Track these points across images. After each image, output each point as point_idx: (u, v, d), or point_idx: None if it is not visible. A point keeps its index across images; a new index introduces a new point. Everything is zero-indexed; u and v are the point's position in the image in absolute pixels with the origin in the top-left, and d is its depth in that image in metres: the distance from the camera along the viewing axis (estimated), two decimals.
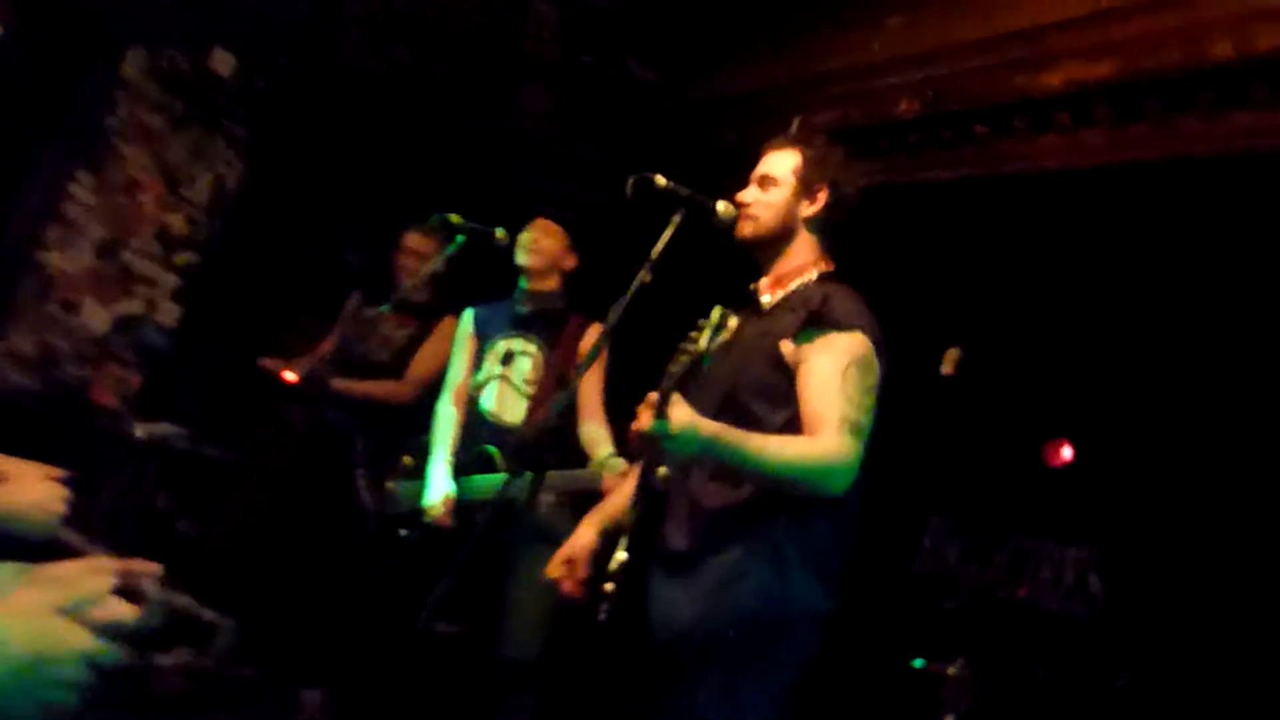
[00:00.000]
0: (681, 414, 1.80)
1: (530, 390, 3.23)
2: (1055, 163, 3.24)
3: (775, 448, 1.90)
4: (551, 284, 3.35)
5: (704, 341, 1.83)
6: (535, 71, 4.63)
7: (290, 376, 3.72)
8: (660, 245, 2.07)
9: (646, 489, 2.01)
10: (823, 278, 2.16)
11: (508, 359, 3.29)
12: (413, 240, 3.95)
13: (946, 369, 3.84)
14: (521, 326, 3.33)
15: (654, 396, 1.80)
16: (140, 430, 3.96)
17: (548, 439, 2.04)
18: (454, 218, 3.16)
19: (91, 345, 4.28)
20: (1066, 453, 3.71)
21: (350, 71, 4.58)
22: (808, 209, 2.19)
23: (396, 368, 3.85)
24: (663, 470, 2.11)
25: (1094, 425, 3.58)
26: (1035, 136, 3.29)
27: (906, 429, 2.49)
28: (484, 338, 3.39)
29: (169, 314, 4.49)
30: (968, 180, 3.60)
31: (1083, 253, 3.40)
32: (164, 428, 4.00)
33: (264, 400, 4.03)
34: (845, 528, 2.02)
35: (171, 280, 4.49)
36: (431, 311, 3.95)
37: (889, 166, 3.74)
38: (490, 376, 3.29)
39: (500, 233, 3.23)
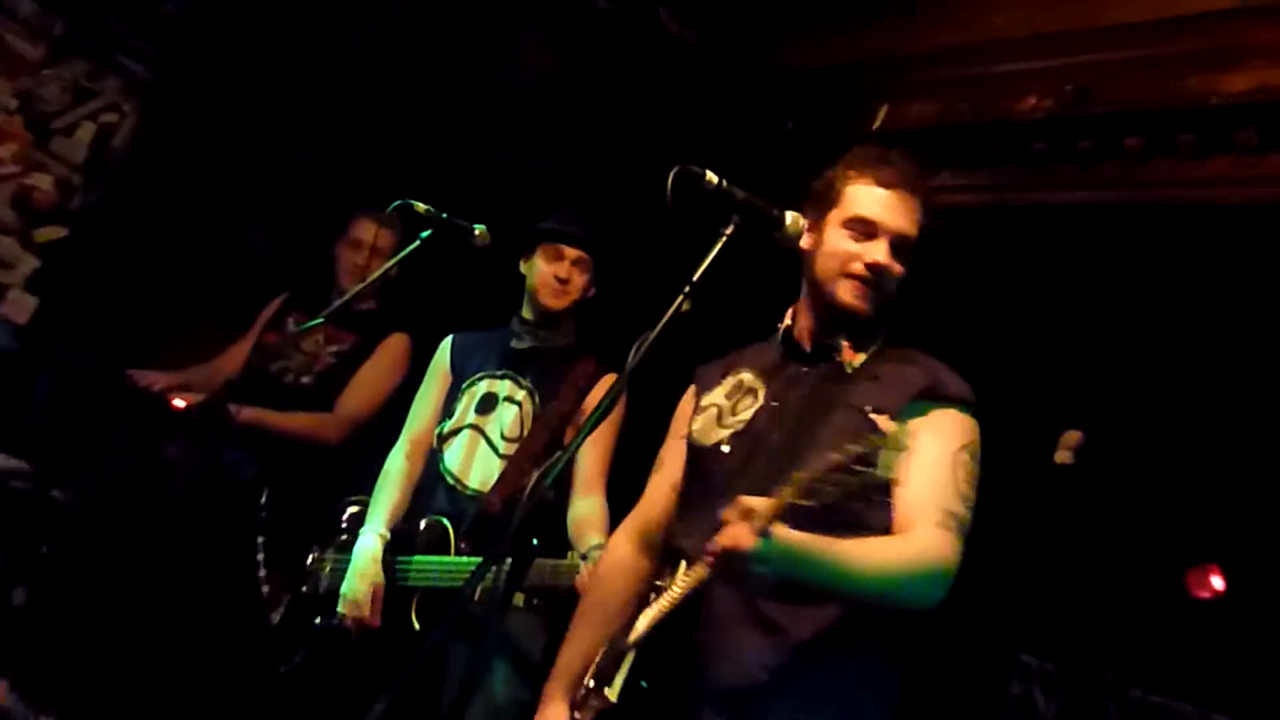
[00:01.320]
0: (779, 529, 1.88)
1: (507, 449, 3.20)
2: (1232, 194, 3.21)
3: (865, 555, 2.00)
4: (564, 319, 3.33)
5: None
6: (533, 13, 4.60)
7: (179, 402, 3.68)
8: (703, 266, 2.09)
9: (680, 609, 2.05)
10: (885, 339, 2.28)
11: (487, 405, 3.28)
12: (364, 229, 3.92)
13: (1062, 457, 3.78)
14: (513, 365, 3.32)
15: (755, 504, 1.86)
16: None
17: (534, 518, 1.92)
18: (419, 205, 3.15)
19: None
20: (1217, 582, 3.61)
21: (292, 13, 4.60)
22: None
23: (324, 396, 3.85)
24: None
25: (1258, 549, 3.47)
26: (1206, 158, 3.27)
27: (997, 536, 2.48)
28: (462, 375, 3.38)
29: (20, 308, 4.44)
30: (1107, 208, 3.56)
31: (1259, 313, 3.34)
32: (2, 461, 3.91)
33: (137, 430, 3.99)
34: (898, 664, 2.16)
35: (28, 262, 4.44)
36: (376, 325, 3.94)
37: (1001, 181, 3.72)
38: (461, 425, 3.27)
39: (480, 230, 3.22)
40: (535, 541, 1.91)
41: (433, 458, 3.27)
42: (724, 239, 2.10)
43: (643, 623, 2.23)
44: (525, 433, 3.20)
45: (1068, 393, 3.72)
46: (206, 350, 4.14)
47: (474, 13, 4.61)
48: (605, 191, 4.55)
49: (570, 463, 3.07)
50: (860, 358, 2.24)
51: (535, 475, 1.98)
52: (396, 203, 3.13)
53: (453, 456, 3.23)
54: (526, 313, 3.33)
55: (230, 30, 4.58)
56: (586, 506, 3.11)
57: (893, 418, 2.05)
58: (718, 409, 2.34)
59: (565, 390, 3.22)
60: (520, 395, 3.26)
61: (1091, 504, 3.70)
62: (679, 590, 2.14)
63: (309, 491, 3.59)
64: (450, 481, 3.20)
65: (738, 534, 1.86)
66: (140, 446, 3.96)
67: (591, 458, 3.16)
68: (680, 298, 2.05)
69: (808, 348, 2.29)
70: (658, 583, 2.28)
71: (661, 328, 2.01)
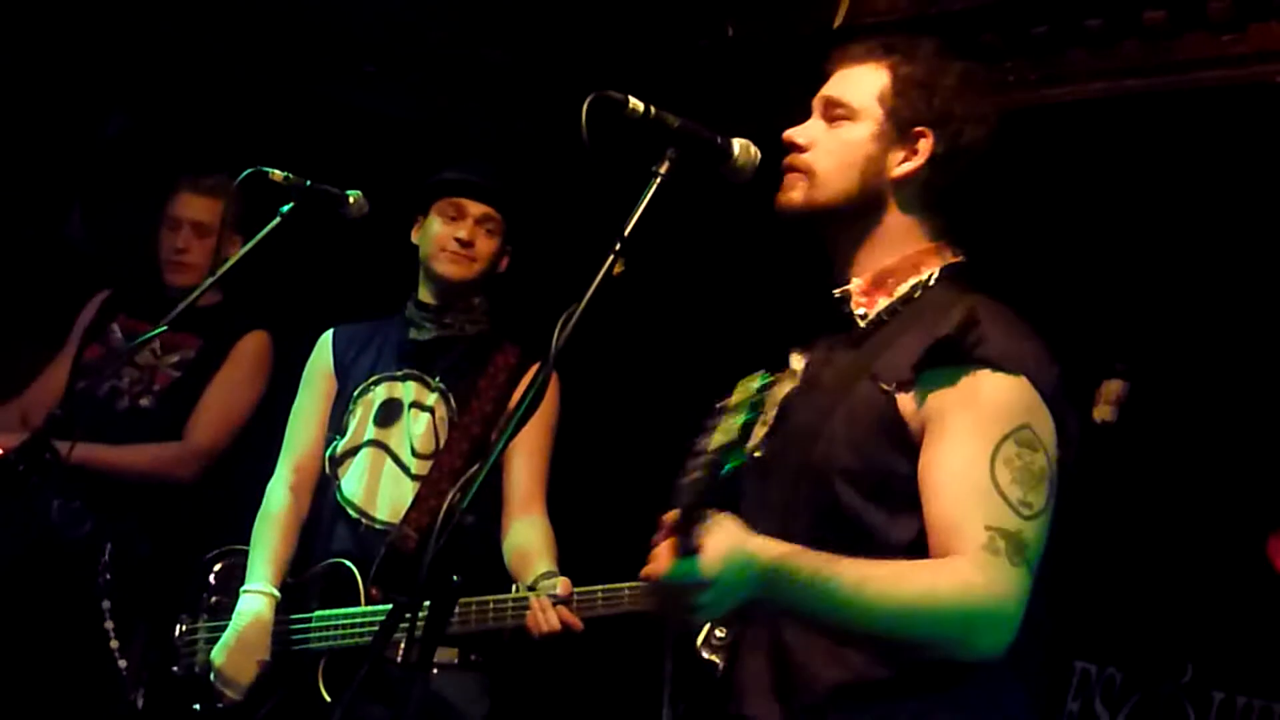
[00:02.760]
0: (722, 539, 1.81)
1: (421, 468, 3.26)
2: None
3: (882, 581, 1.89)
4: (471, 296, 3.39)
5: (733, 425, 1.83)
6: None
7: None
8: (635, 216, 2.10)
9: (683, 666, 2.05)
10: (950, 276, 2.19)
11: (388, 415, 3.34)
12: (183, 204, 3.98)
13: (1102, 413, 3.88)
14: (416, 363, 3.38)
15: (669, 518, 1.81)
16: None
17: (453, 549, 1.94)
18: (275, 173, 3.19)
19: None
20: None
21: None
22: (901, 164, 2.22)
23: (170, 421, 3.91)
24: (720, 632, 2.13)
25: None
26: (1244, 28, 3.34)
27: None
28: (351, 379, 3.42)
29: None
30: (1130, 98, 3.62)
31: None
32: None
33: None
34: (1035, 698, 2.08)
35: None
36: (224, 324, 4.03)
37: (999, 77, 3.74)
38: (358, 443, 3.32)
39: (355, 197, 3.26)
40: (456, 579, 1.90)
41: (325, 487, 3.32)
42: (658, 180, 2.11)
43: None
44: (444, 444, 3.26)
45: (1101, 334, 3.76)
46: (15, 377, 4.15)
47: None
48: (503, 131, 4.62)
49: (497, 476, 3.21)
50: (880, 306, 2.19)
51: (451, 496, 1.97)
52: (247, 171, 3.15)
53: (351, 483, 3.29)
54: (425, 294, 3.39)
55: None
56: (525, 529, 3.18)
57: (912, 388, 2.01)
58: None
59: (484, 387, 3.30)
60: (431, 399, 3.32)
61: (1143, 468, 3.74)
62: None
63: (165, 546, 3.66)
64: (352, 514, 3.26)
65: (653, 561, 1.82)
66: None
67: (524, 467, 3.24)
68: (610, 258, 2.06)
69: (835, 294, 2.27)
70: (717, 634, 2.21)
71: (590, 297, 2.01)
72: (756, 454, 2.19)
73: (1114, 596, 3.85)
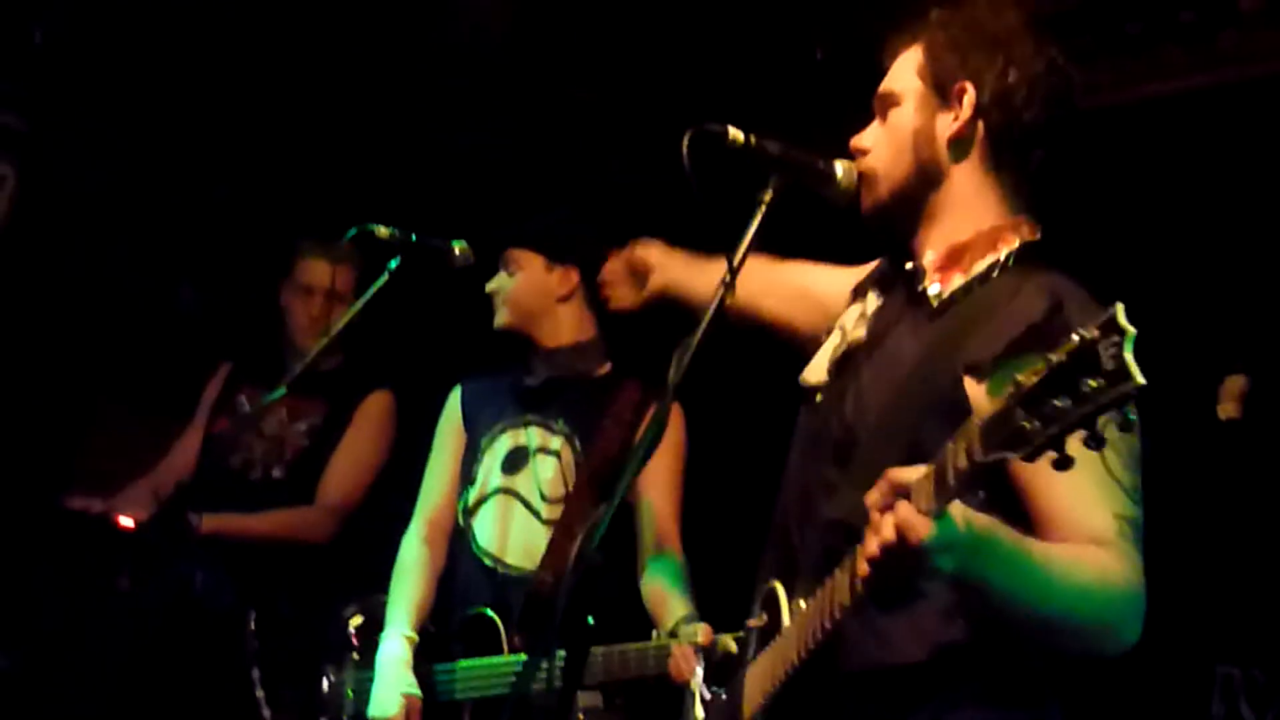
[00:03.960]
0: (960, 506, 1.69)
1: (552, 512, 3.25)
2: None
3: (1062, 563, 1.82)
4: (571, 330, 3.38)
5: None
6: None
7: (127, 521, 3.72)
8: (745, 243, 2.09)
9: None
10: (1027, 255, 2.08)
11: (515, 462, 3.34)
12: (314, 271, 3.99)
13: (1227, 410, 3.79)
14: (537, 407, 3.37)
15: (910, 476, 1.69)
16: None
17: (586, 593, 1.92)
18: (381, 229, 3.20)
19: None
20: None
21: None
22: (949, 124, 2.12)
23: (303, 488, 3.91)
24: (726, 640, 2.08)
25: None
26: None
27: (1159, 521, 2.43)
28: (477, 430, 3.43)
29: None
30: (1229, 89, 3.56)
31: None
32: None
33: (77, 566, 4.01)
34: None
35: None
36: (347, 386, 4.01)
37: (1094, 80, 3.67)
38: (487, 491, 3.32)
39: (461, 247, 3.27)
40: (591, 621, 1.89)
41: (460, 537, 3.33)
42: (763, 207, 2.09)
43: (757, 690, 2.08)
44: (571, 487, 3.25)
45: (1220, 329, 3.70)
46: (135, 452, 4.18)
47: None
48: (598, 169, 4.60)
49: (630, 516, 3.19)
50: (954, 284, 2.08)
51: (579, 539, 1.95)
52: (351, 231, 3.17)
53: (485, 531, 3.29)
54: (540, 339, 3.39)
55: (112, 55, 4.67)
56: (661, 568, 3.14)
57: (985, 377, 1.85)
58: (841, 331, 2.23)
59: (609, 427, 3.26)
60: (556, 443, 3.31)
61: (1273, 463, 3.65)
62: (804, 633, 1.93)
63: (305, 606, 3.65)
64: (487, 562, 3.26)
65: (908, 519, 1.65)
66: (83, 584, 3.98)
67: (655, 504, 3.20)
68: (722, 288, 2.04)
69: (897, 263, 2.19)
70: (750, 623, 2.14)
71: (706, 327, 2.00)
72: (817, 395, 2.17)
73: (1251, 594, 3.74)
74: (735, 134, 2.11)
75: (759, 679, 2.07)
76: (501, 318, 3.39)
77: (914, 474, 1.68)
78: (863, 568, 1.72)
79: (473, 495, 3.34)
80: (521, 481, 3.30)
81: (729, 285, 2.05)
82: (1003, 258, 2.07)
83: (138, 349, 4.72)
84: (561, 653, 1.96)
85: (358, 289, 3.79)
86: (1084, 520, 1.85)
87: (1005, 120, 2.10)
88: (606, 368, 3.41)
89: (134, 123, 4.77)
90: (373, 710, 3.14)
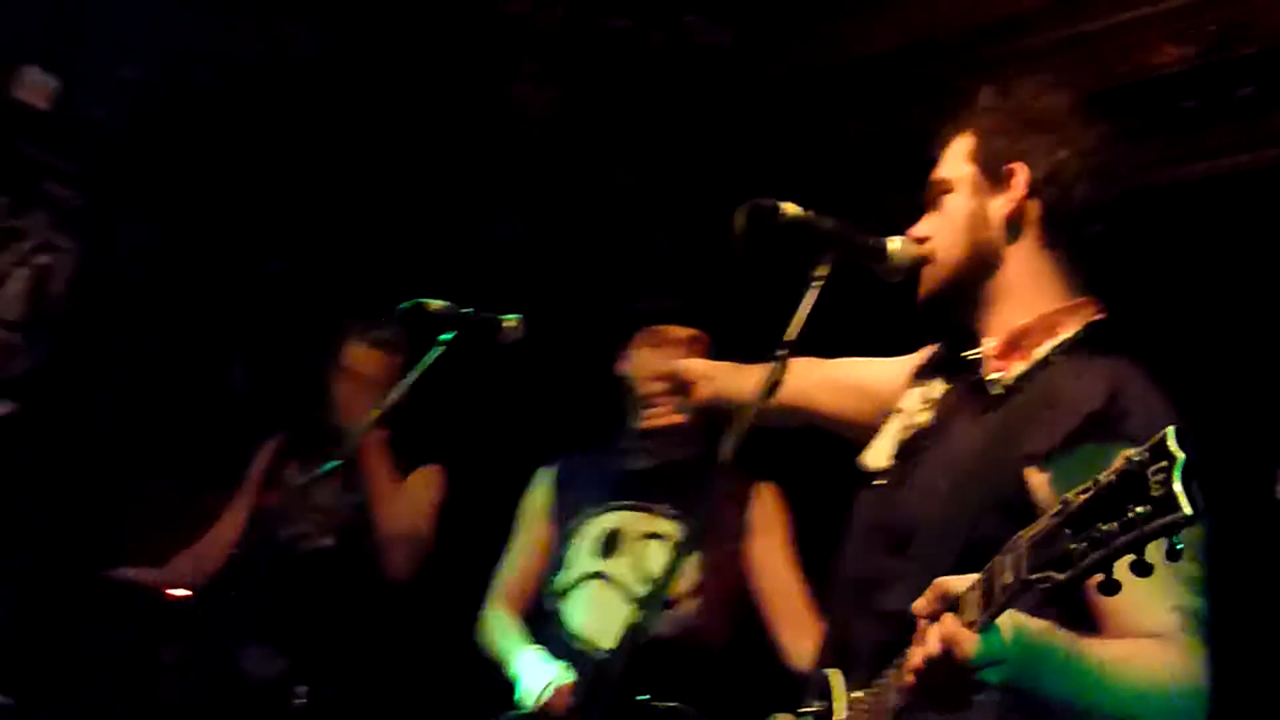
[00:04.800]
0: (1012, 615, 1.67)
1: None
2: None
3: (1118, 664, 1.79)
4: (681, 418, 3.37)
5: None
6: (524, 43, 4.69)
7: (177, 593, 3.72)
8: (799, 320, 2.08)
9: None
10: (1090, 337, 2.06)
11: (610, 546, 3.31)
12: (357, 356, 4.00)
13: None
14: (639, 491, 3.36)
15: (957, 586, 1.68)
16: None
17: (641, 670, 2.03)
18: (431, 303, 3.17)
19: None
20: None
21: (238, 74, 4.68)
22: (1002, 205, 2.11)
23: (351, 557, 3.90)
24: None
25: None
26: None
27: (1224, 613, 2.37)
28: (570, 513, 3.44)
29: None
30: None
31: None
32: None
33: (124, 638, 4.01)
34: None
35: None
36: (398, 460, 3.99)
37: (1146, 157, 3.60)
38: (579, 576, 3.31)
39: (511, 321, 3.24)
40: (648, 698, 1.87)
41: (548, 621, 3.32)
42: (818, 283, 2.09)
43: None
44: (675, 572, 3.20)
45: (1276, 413, 3.64)
46: (183, 526, 4.19)
47: (458, 59, 4.73)
48: (641, 249, 4.64)
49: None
50: (1016, 371, 2.06)
51: (642, 615, 1.94)
52: (403, 306, 3.15)
53: (577, 616, 3.28)
54: (639, 422, 3.39)
55: (168, 131, 4.74)
56: (798, 638, 3.12)
57: (1047, 468, 1.87)
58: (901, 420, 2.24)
59: (728, 513, 3.27)
60: (661, 526, 3.29)
61: None
62: None
63: (353, 686, 3.68)
64: (578, 646, 3.24)
65: (953, 634, 1.64)
66: (130, 654, 3.98)
67: (778, 586, 3.21)
68: (777, 364, 2.04)
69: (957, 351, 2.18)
70: (804, 710, 2.11)
71: (760, 402, 2.00)
72: (878, 480, 2.15)
73: None
74: (789, 209, 2.11)
75: None
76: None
77: (962, 584, 1.67)
78: (908, 678, 1.71)
79: (562, 579, 3.32)
80: (618, 566, 3.29)
81: (783, 360, 2.05)
82: (1063, 342, 2.05)
83: (188, 423, 4.74)
84: None
85: (401, 370, 3.76)
86: (1144, 616, 1.82)
87: (1059, 198, 2.09)
88: (701, 448, 3.37)
89: (187, 202, 4.83)
90: (526, 693, 3.13)
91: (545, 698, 3.12)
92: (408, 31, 4.61)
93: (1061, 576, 1.51)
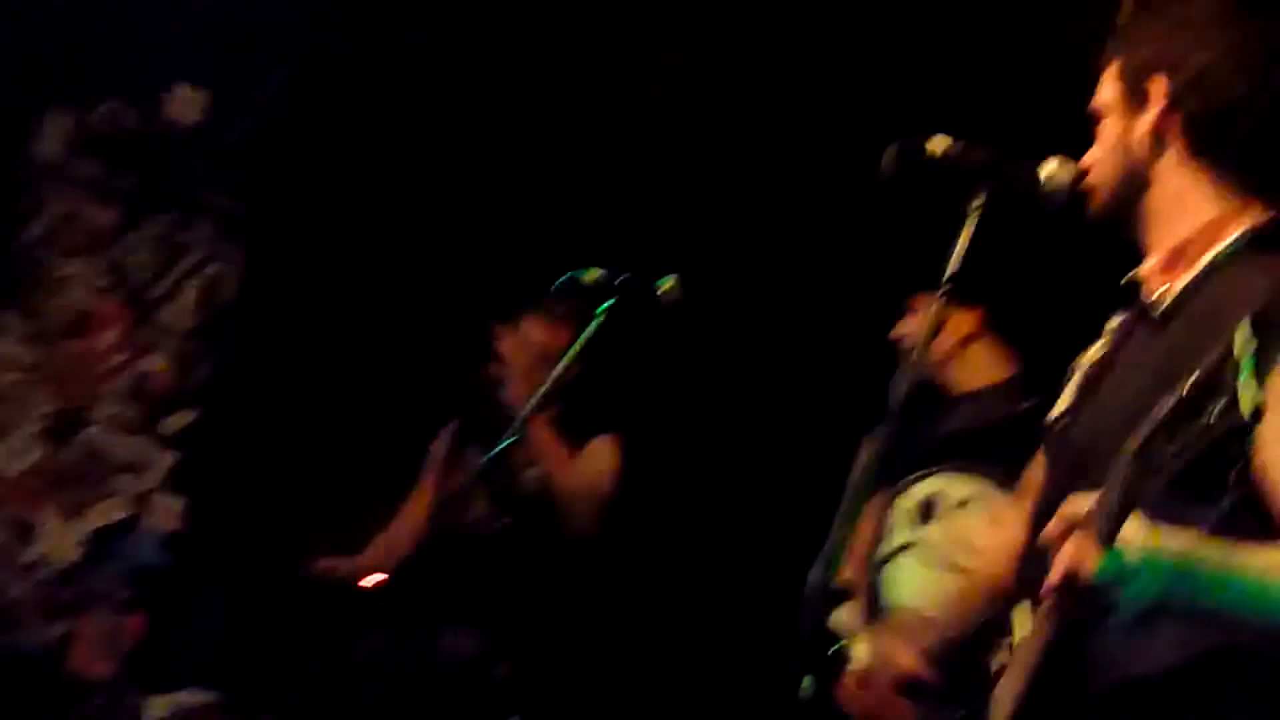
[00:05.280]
0: (1136, 529, 1.65)
1: (975, 563, 3.08)
2: None
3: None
4: (985, 372, 3.29)
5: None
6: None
7: (370, 582, 3.75)
8: (960, 251, 2.06)
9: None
10: (1257, 238, 1.98)
11: (928, 514, 3.23)
12: (532, 331, 4.01)
13: None
14: (953, 456, 3.27)
15: (1079, 508, 1.66)
16: (157, 708, 4.09)
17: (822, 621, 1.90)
18: (589, 273, 3.19)
19: (61, 585, 4.46)
20: None
21: (382, 69, 4.75)
22: (1145, 122, 2.03)
23: (533, 529, 3.93)
24: None
25: None
26: None
27: None
28: (887, 482, 3.32)
29: (167, 513, 4.63)
30: None
31: None
32: (189, 697, 4.11)
33: (324, 632, 4.11)
34: None
35: (164, 459, 4.67)
36: (572, 432, 4.01)
37: None
38: (897, 547, 3.25)
39: (668, 284, 3.23)
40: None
41: (872, 595, 3.26)
42: (974, 216, 2.04)
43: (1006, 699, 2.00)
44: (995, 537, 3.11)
45: None
46: (366, 516, 4.26)
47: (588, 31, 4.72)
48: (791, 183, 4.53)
49: None
50: (1178, 286, 1.99)
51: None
52: (561, 280, 3.17)
53: (895, 588, 3.22)
54: (950, 385, 3.33)
55: (322, 129, 4.82)
56: None
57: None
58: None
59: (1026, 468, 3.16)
60: (974, 490, 3.19)
61: None
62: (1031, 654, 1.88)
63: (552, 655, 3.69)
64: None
65: (1076, 554, 1.63)
66: (331, 650, 4.07)
67: None
68: (940, 303, 2.02)
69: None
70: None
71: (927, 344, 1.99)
72: (1059, 424, 2.10)
73: None
74: (939, 143, 2.06)
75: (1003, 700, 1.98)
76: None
77: (1085, 505, 1.66)
78: (1047, 605, 1.70)
79: (882, 550, 3.27)
80: (934, 534, 3.21)
81: (947, 296, 2.03)
82: (1226, 247, 1.97)
83: (364, 415, 4.82)
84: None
85: (567, 338, 3.72)
86: None
87: (1203, 105, 1.99)
88: (1027, 406, 3.24)
89: (346, 197, 4.89)
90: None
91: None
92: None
93: (1144, 484, 1.54)
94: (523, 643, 3.75)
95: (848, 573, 3.31)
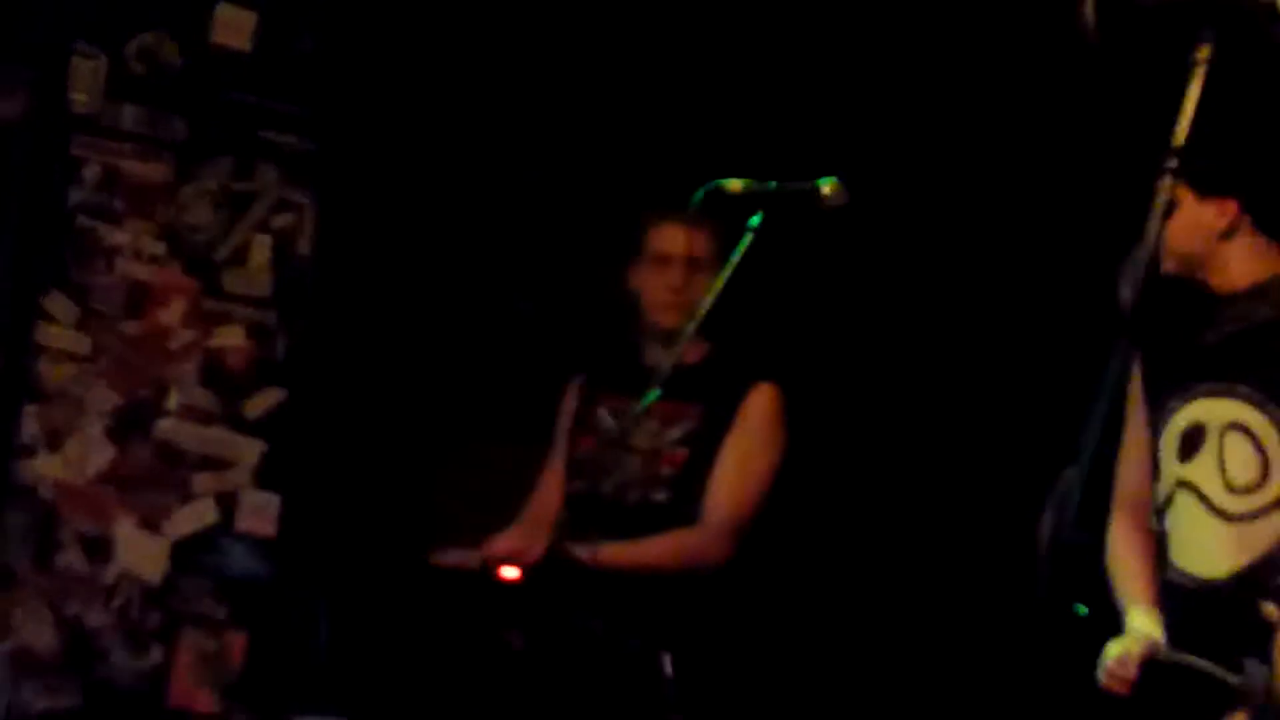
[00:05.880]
0: None
1: (1243, 505, 3.10)
2: None
3: None
4: (1246, 271, 3.19)
5: None
6: None
7: (510, 572, 3.79)
8: (1187, 114, 2.13)
9: None
10: None
11: (1191, 445, 3.18)
12: (669, 238, 3.98)
13: None
14: (1214, 372, 3.20)
15: None
16: None
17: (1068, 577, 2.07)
18: (733, 182, 3.24)
19: (148, 606, 4.55)
20: None
21: None
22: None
23: (689, 510, 3.94)
24: None
25: None
26: None
27: None
28: (1155, 409, 3.30)
29: (262, 515, 4.70)
30: None
31: None
32: None
33: (463, 629, 4.07)
34: None
35: (251, 450, 4.74)
36: (725, 380, 4.02)
37: None
38: (1168, 489, 3.21)
39: (829, 185, 3.24)
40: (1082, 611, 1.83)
41: (1159, 545, 3.24)
42: (1200, 68, 2.07)
43: None
44: (1270, 473, 3.07)
45: None
46: (496, 491, 4.33)
47: None
48: None
49: None
50: None
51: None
52: (701, 190, 3.20)
53: (1171, 538, 3.19)
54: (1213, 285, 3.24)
55: (397, 43, 4.84)
56: None
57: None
58: None
59: None
60: (1251, 415, 3.13)
61: None
62: None
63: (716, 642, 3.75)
64: (1174, 579, 3.16)
65: None
66: (473, 648, 4.00)
67: None
68: (1166, 179, 2.11)
69: None
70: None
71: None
72: None
73: None
74: None
75: None
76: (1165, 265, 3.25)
77: None
78: None
79: (1158, 492, 3.23)
80: (1199, 470, 3.16)
81: (1173, 172, 2.13)
82: None
83: (479, 375, 4.89)
84: None
85: (717, 257, 3.74)
86: None
87: None
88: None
89: (433, 120, 4.90)
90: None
91: (1105, 667, 3.04)
92: None
93: None
94: (685, 634, 3.77)
95: (1124, 519, 3.30)
